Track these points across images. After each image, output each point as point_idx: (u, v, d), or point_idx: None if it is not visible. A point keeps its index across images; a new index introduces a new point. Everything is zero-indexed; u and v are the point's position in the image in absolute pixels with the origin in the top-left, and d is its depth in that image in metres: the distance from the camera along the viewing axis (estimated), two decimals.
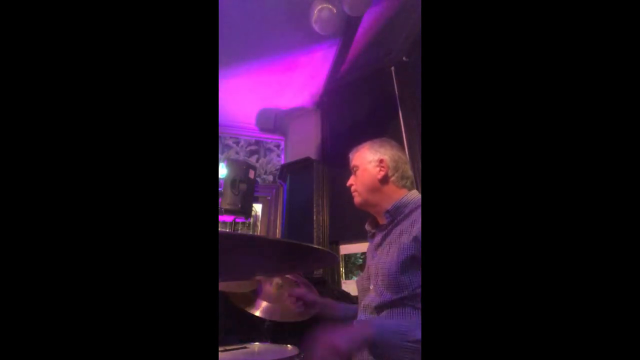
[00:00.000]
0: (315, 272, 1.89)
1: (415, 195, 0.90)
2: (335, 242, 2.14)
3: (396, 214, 0.88)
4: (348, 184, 0.99)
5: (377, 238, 0.93)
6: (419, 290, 0.75)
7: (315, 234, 2.15)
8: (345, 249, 2.10)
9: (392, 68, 2.20)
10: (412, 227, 0.81)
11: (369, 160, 0.95)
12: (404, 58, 2.13)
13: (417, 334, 0.65)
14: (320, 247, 0.64)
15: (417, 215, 0.82)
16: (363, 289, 0.93)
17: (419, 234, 0.77)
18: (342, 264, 2.08)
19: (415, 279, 0.76)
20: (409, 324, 0.69)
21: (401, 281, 0.77)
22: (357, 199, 0.96)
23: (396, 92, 2.14)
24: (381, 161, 0.93)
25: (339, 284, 2.02)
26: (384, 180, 0.92)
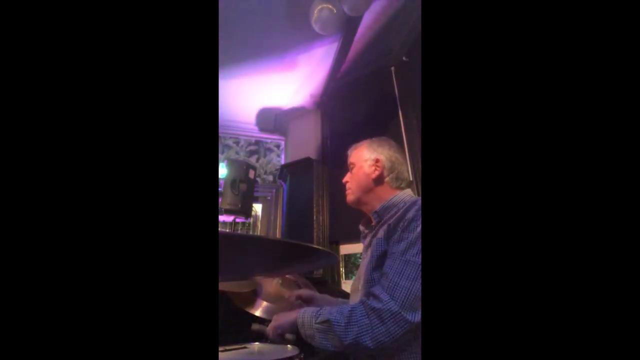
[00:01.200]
0: (315, 272, 1.89)
1: (405, 195, 0.89)
2: (335, 242, 2.14)
3: (383, 214, 0.87)
4: (344, 180, 0.99)
5: (368, 238, 0.93)
6: None
7: (315, 234, 2.15)
8: (345, 249, 2.10)
9: (392, 68, 2.21)
10: (387, 224, 0.81)
11: (365, 159, 0.94)
12: (404, 58, 2.13)
13: (329, 317, 0.70)
14: (320, 247, 0.64)
15: (400, 214, 0.82)
16: (354, 289, 0.93)
17: (387, 231, 0.78)
18: (342, 264, 2.08)
19: None
20: (326, 308, 0.74)
21: (372, 278, 0.78)
22: (349, 197, 0.96)
23: (396, 92, 2.14)
24: (377, 161, 0.93)
25: (339, 284, 2.02)
26: (378, 180, 0.91)
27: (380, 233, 0.83)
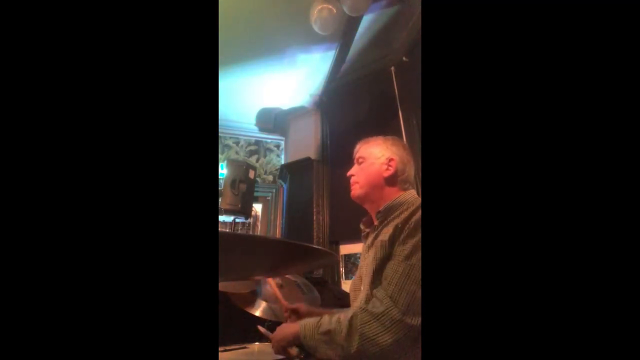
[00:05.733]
0: (315, 272, 1.89)
1: (409, 195, 0.88)
2: (335, 242, 2.14)
3: (387, 215, 0.87)
4: (349, 173, 0.96)
5: (369, 238, 0.91)
6: None
7: (315, 234, 2.15)
8: (345, 249, 2.10)
9: (392, 68, 2.21)
10: (391, 225, 0.80)
11: (378, 156, 0.92)
12: (404, 58, 2.13)
13: (329, 327, 0.70)
14: (320, 247, 0.64)
15: (406, 216, 0.81)
16: (354, 289, 0.92)
17: (394, 233, 0.77)
18: (342, 264, 2.08)
19: None
20: (326, 318, 0.74)
21: (376, 280, 0.77)
22: (355, 191, 0.93)
23: (396, 92, 2.14)
24: (391, 160, 0.91)
25: (339, 284, 2.02)
26: (390, 180, 0.90)
27: (385, 235, 0.83)
